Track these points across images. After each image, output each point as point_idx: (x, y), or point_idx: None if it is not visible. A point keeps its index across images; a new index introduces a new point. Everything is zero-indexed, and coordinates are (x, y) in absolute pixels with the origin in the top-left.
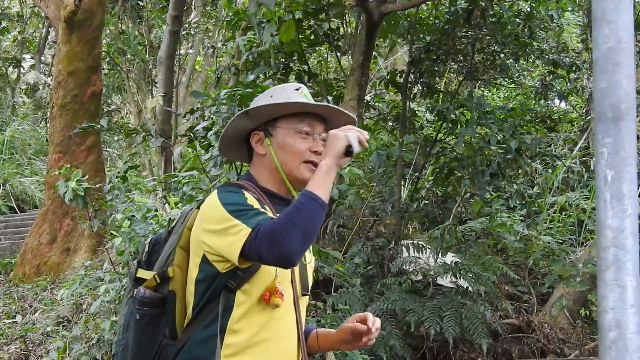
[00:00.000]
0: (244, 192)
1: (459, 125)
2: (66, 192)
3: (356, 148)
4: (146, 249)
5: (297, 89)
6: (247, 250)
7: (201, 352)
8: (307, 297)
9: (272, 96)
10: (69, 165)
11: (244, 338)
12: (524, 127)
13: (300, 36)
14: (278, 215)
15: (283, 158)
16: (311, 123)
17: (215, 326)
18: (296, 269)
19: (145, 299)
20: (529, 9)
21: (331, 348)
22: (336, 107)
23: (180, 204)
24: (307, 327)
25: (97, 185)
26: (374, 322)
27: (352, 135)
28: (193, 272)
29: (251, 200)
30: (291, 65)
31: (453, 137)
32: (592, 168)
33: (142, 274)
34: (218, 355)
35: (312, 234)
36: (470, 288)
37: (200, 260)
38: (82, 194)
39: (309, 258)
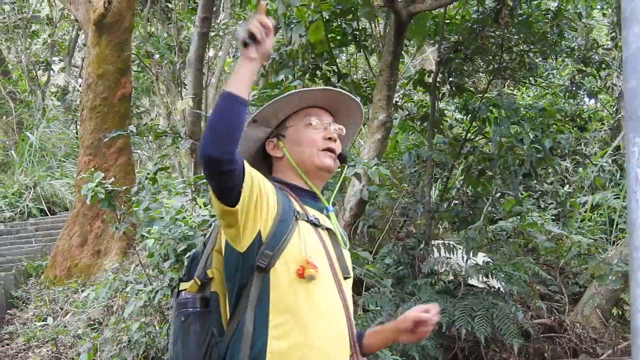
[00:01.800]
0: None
1: (488, 124)
2: (88, 194)
3: (241, 35)
4: (186, 264)
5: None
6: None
7: (248, 338)
8: (350, 280)
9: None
10: (93, 169)
11: (289, 318)
12: (556, 125)
13: (328, 36)
14: (304, 206)
15: (301, 152)
16: (317, 114)
17: (256, 310)
18: (331, 250)
19: (187, 300)
20: (557, 8)
21: (388, 341)
22: (336, 89)
23: (209, 205)
24: (357, 332)
25: (124, 188)
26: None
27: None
28: (222, 269)
29: (263, 179)
30: (320, 65)
31: (482, 136)
32: (623, 167)
33: (184, 285)
34: (265, 338)
35: (221, 124)
36: (501, 288)
37: (224, 247)
38: (104, 196)
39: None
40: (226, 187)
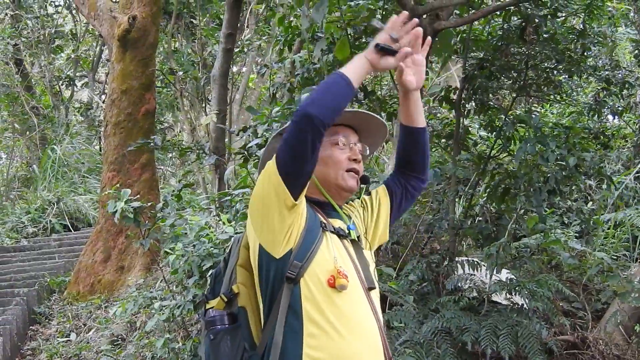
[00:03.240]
0: None
1: (513, 141)
2: (116, 212)
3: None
4: (209, 282)
5: None
6: (281, 154)
7: (284, 349)
8: (376, 290)
9: None
10: (118, 185)
11: (323, 329)
12: (581, 144)
13: (353, 51)
14: (329, 219)
15: (325, 171)
16: (345, 134)
17: (289, 321)
18: (357, 261)
19: (215, 317)
20: (582, 26)
21: (412, 103)
22: (366, 112)
23: (233, 221)
24: (398, 134)
25: (149, 204)
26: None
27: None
28: (256, 280)
29: None
30: None
31: (507, 154)
32: None
33: (211, 303)
34: (300, 349)
35: (329, 95)
36: (525, 305)
37: (257, 255)
38: (132, 215)
39: (368, 253)
40: (298, 173)
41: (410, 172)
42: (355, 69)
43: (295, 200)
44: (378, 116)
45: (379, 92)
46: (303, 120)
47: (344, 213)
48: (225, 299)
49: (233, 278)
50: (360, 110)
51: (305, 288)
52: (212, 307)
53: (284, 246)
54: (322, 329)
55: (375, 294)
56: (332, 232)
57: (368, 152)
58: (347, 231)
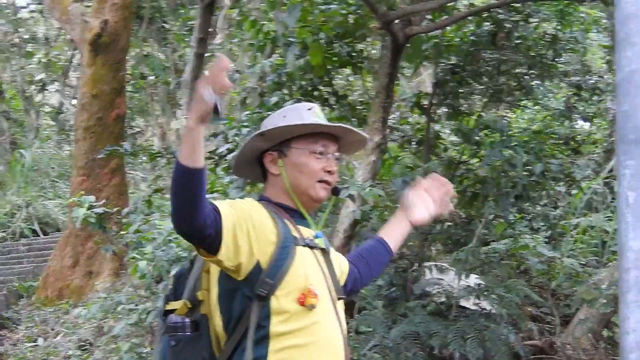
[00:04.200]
0: (257, 204)
1: (482, 147)
2: (78, 219)
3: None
4: (171, 283)
5: (309, 109)
6: None
7: None
8: (343, 301)
9: (285, 116)
10: (87, 190)
11: (290, 343)
12: (551, 149)
13: (325, 57)
14: (298, 227)
15: (298, 178)
16: (325, 143)
17: (256, 336)
18: (326, 271)
19: (177, 324)
20: (553, 32)
21: (404, 231)
22: (349, 127)
23: None
24: (370, 242)
25: (115, 209)
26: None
27: (215, 98)
28: (214, 291)
29: (257, 211)
30: (317, 87)
31: (477, 159)
32: (615, 190)
33: (171, 305)
34: None
35: (182, 200)
36: (493, 310)
37: (218, 276)
38: (94, 220)
39: (336, 261)
40: (205, 245)
41: (360, 271)
42: (190, 143)
43: (215, 255)
44: (360, 131)
45: (351, 97)
46: (182, 236)
47: (313, 221)
48: (189, 306)
49: (197, 284)
50: (343, 125)
51: (275, 305)
52: (174, 311)
53: (241, 273)
54: (288, 345)
55: (341, 303)
56: (302, 245)
57: (343, 161)
58: (314, 240)
